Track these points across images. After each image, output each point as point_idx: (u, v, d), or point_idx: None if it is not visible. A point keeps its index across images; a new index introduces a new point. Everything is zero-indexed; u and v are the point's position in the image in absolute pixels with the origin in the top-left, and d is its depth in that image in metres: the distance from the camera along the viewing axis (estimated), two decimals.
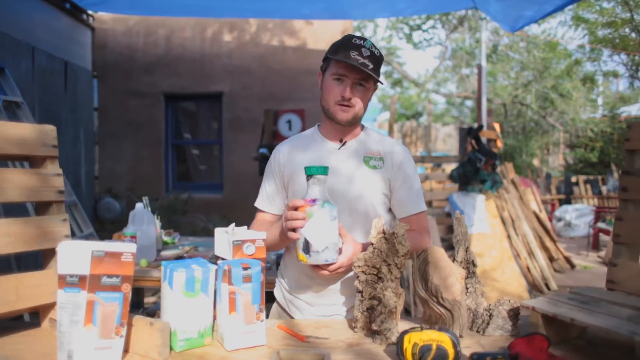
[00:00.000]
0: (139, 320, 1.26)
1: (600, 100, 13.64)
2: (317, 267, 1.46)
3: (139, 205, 2.73)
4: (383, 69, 16.71)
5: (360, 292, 1.41)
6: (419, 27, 14.13)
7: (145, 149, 6.89)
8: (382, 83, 1.65)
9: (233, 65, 6.81)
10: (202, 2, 5.05)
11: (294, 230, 1.43)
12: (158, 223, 3.04)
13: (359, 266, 1.41)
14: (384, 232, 1.43)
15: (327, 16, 5.33)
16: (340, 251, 1.48)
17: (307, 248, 1.41)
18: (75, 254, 1.19)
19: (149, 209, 3.02)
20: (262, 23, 6.74)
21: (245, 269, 1.31)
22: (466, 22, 13.37)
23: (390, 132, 8.71)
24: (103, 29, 6.77)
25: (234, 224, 1.49)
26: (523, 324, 1.40)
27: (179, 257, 2.67)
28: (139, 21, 6.80)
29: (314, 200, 1.40)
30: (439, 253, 1.38)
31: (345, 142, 1.68)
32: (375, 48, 1.58)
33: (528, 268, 5.34)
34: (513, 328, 1.35)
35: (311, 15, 5.06)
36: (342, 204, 1.60)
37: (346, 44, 1.56)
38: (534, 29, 12.50)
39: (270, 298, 1.84)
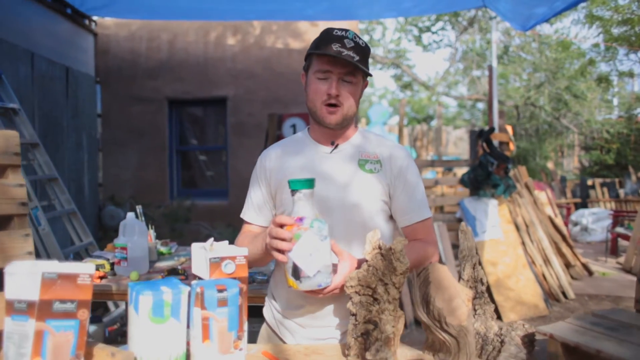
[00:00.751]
0: (100, 350, 1.12)
1: (615, 101, 13.33)
2: (311, 291, 1.31)
3: (129, 215, 2.59)
4: (392, 71, 16.55)
5: (353, 315, 1.25)
6: (428, 29, 13.96)
7: (150, 155, 6.79)
8: (371, 75, 1.49)
9: (237, 69, 6.70)
10: (205, 5, 4.96)
11: (279, 250, 1.28)
12: (153, 233, 2.90)
13: (351, 286, 1.25)
14: (379, 248, 1.26)
15: (331, 17, 5.20)
16: (335, 270, 1.33)
17: (297, 273, 1.25)
18: (25, 277, 1.05)
19: (143, 218, 2.89)
20: (266, 25, 6.63)
21: (220, 291, 1.16)
22: (476, 23, 13.17)
23: (400, 136, 8.55)
24: (106, 34, 6.70)
25: (212, 239, 1.34)
26: (539, 350, 1.23)
27: (173, 269, 2.53)
28: (142, 26, 6.72)
29: (301, 219, 1.24)
30: (442, 271, 1.22)
31: (338, 145, 1.52)
32: (360, 38, 1.43)
33: (544, 275, 5.13)
34: (528, 357, 1.18)
35: (315, 16, 4.93)
36: (337, 214, 1.45)
37: (326, 38, 1.41)
38: (546, 29, 12.27)
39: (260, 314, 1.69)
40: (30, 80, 4.83)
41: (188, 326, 1.17)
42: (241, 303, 1.18)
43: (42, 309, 1.03)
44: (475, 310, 1.27)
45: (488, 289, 4.64)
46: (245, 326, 1.25)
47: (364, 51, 1.42)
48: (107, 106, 6.79)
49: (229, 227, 6.09)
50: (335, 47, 1.38)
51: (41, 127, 4.96)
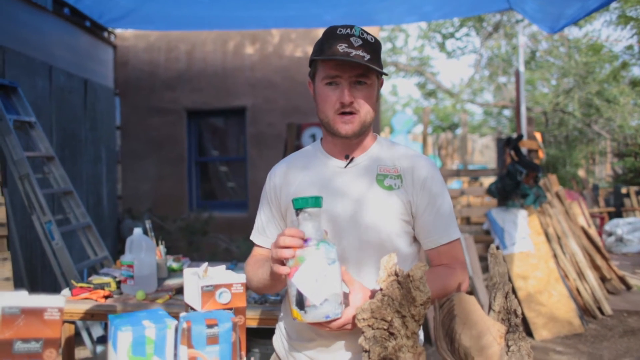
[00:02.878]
0: None
1: None
2: (319, 323, 1.13)
3: (137, 231, 2.47)
4: (416, 79, 16.34)
5: (366, 351, 1.09)
6: (452, 35, 13.72)
7: (168, 166, 6.75)
8: (386, 74, 1.32)
9: (256, 78, 6.62)
10: (222, 14, 4.89)
11: (281, 262, 1.11)
12: (163, 249, 2.79)
13: (364, 319, 1.08)
14: (396, 274, 1.10)
15: (350, 23, 5.04)
16: (346, 301, 1.16)
17: (301, 302, 1.08)
18: None
19: (152, 234, 2.78)
20: (285, 34, 6.53)
21: (210, 326, 1.01)
22: (501, 28, 12.88)
23: (425, 145, 8.34)
24: (125, 46, 6.70)
25: (206, 264, 1.20)
26: None
27: (183, 287, 2.40)
28: (160, 37, 6.70)
29: (306, 241, 1.10)
30: (470, 303, 1.04)
31: (353, 158, 1.35)
32: (367, 33, 1.27)
33: (578, 290, 4.85)
34: None
35: (333, 22, 4.78)
36: (351, 236, 1.28)
37: (330, 38, 1.25)
38: (574, 32, 11.89)
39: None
40: (48, 94, 4.81)
41: None
42: (235, 340, 1.03)
43: (2, 350, 0.89)
44: (508, 347, 1.09)
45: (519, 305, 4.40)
46: None
47: (374, 47, 1.26)
48: (126, 118, 6.77)
49: (247, 240, 5.97)
50: (342, 47, 1.22)
51: (59, 140, 4.94)
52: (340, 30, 1.26)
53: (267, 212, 1.43)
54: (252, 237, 1.48)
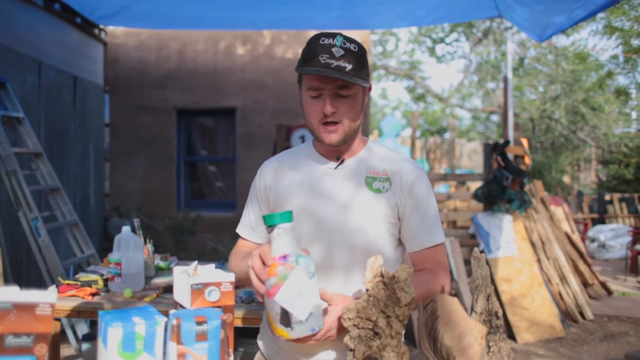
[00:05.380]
0: None
1: (634, 114, 13.04)
2: (304, 337, 1.14)
3: (125, 229, 2.48)
4: (405, 83, 16.42)
5: (351, 350, 1.11)
6: (442, 40, 13.83)
7: (157, 165, 6.72)
8: (366, 86, 1.31)
9: (246, 79, 6.62)
10: (214, 14, 4.89)
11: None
12: (151, 247, 2.79)
13: (349, 318, 1.11)
14: (381, 276, 1.13)
15: (342, 26, 5.09)
16: (324, 311, 1.17)
17: (287, 320, 1.08)
18: None
19: (140, 232, 2.78)
20: (276, 35, 6.55)
21: (199, 323, 1.03)
22: (491, 35, 13.02)
23: (413, 148, 8.40)
24: (115, 43, 6.67)
25: (196, 262, 1.22)
26: None
27: (170, 286, 2.41)
28: (151, 35, 6.68)
29: (284, 257, 1.09)
30: (452, 304, 1.07)
31: (344, 160, 1.38)
32: (350, 42, 1.27)
33: (560, 295, 4.93)
34: None
35: (325, 26, 4.83)
36: (336, 238, 1.31)
37: (312, 49, 1.26)
38: (562, 41, 12.05)
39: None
40: (37, 89, 4.78)
41: None
42: (223, 337, 1.05)
43: None
44: (489, 347, 1.12)
45: (501, 309, 4.46)
46: None
47: (357, 56, 1.27)
48: (115, 116, 6.74)
49: (235, 239, 5.96)
50: (323, 59, 1.23)
51: (47, 136, 4.90)
52: (323, 40, 1.26)
53: (256, 207, 1.45)
54: (238, 230, 1.49)
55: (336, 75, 1.22)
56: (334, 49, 1.24)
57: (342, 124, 1.30)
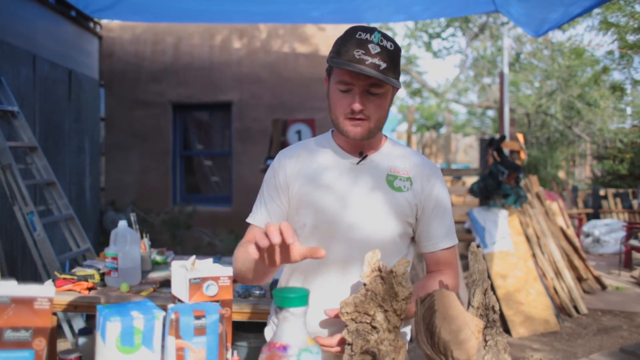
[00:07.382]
0: None
1: (629, 110, 13.09)
2: None
3: (121, 223, 2.48)
4: (401, 78, 16.41)
5: (349, 344, 1.12)
6: (438, 35, 13.81)
7: (153, 160, 6.70)
8: (399, 87, 1.29)
9: (242, 73, 6.60)
10: (209, 7, 4.87)
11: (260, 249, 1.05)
12: (147, 241, 2.79)
13: (347, 312, 1.12)
14: (379, 270, 1.13)
15: (338, 20, 5.08)
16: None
17: None
18: None
19: (137, 226, 2.78)
20: (273, 29, 6.53)
21: (198, 317, 1.03)
22: (487, 30, 13.01)
23: (409, 143, 8.42)
24: (110, 37, 6.63)
25: (194, 257, 1.21)
26: None
27: (167, 281, 2.42)
28: (147, 29, 6.64)
29: (284, 348, 0.88)
30: (450, 299, 1.08)
31: (367, 155, 1.36)
32: (388, 40, 1.24)
33: (555, 289, 4.96)
34: None
35: (321, 19, 4.82)
36: (355, 234, 1.30)
37: (349, 42, 1.23)
38: (558, 36, 12.09)
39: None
40: (31, 83, 4.75)
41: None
42: (222, 331, 1.05)
43: None
44: (486, 341, 1.13)
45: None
46: (229, 355, 1.13)
47: (392, 55, 1.24)
48: (110, 110, 6.71)
49: (231, 233, 5.96)
50: (358, 54, 1.20)
51: (42, 130, 4.88)
52: (360, 34, 1.23)
53: (275, 198, 1.39)
54: (250, 219, 1.42)
55: (370, 72, 1.19)
56: (370, 45, 1.21)
57: (368, 121, 1.27)
